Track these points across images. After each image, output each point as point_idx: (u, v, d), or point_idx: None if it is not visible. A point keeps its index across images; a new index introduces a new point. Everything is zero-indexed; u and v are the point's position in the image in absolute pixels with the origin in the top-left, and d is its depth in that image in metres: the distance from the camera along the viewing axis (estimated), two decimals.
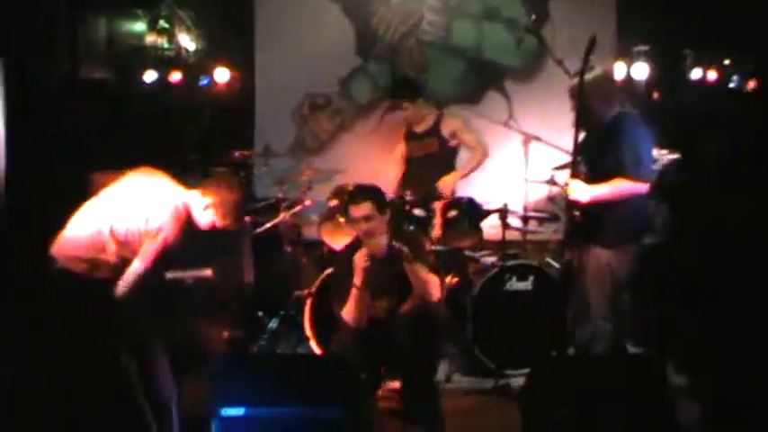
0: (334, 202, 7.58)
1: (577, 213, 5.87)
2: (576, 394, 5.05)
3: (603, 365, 5.51)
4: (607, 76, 6.15)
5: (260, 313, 7.73)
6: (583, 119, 5.88)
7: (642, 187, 5.88)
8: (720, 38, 8.80)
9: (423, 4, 9.21)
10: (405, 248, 5.87)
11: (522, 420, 5.21)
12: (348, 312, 5.96)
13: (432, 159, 7.97)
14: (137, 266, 5.04)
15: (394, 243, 5.91)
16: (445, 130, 7.98)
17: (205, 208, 5.24)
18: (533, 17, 8.72)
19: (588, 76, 5.84)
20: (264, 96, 9.23)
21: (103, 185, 5.43)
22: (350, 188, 7.17)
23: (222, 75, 9.12)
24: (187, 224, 5.22)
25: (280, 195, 8.09)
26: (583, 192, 5.87)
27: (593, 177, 5.94)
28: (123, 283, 5.02)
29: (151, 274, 5.10)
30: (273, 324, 7.60)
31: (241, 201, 5.39)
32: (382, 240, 6.00)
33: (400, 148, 8.25)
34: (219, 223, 5.29)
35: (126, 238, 5.11)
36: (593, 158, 6.03)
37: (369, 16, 9.22)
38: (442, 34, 9.21)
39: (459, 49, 9.22)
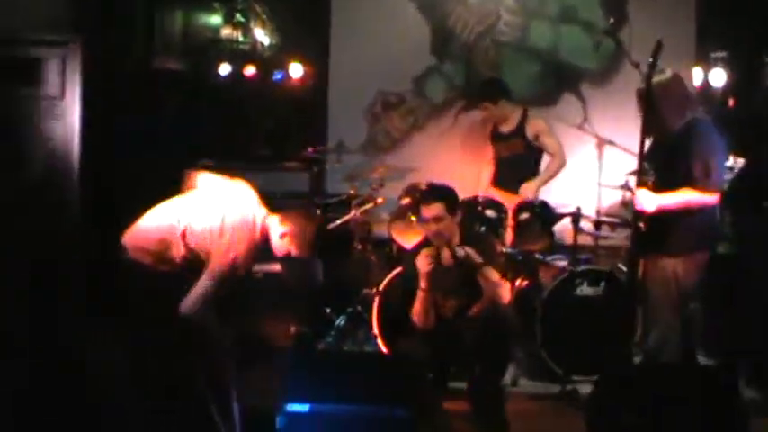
0: (406, 201, 7.57)
1: (642, 224, 5.77)
2: (644, 404, 5.00)
3: (672, 375, 5.44)
4: (676, 81, 5.89)
5: (327, 310, 7.73)
6: (650, 124, 5.73)
7: (712, 198, 5.72)
8: None
9: (500, 5, 9.12)
10: (471, 253, 5.84)
11: (587, 428, 5.17)
12: (415, 313, 5.95)
13: (518, 160, 7.96)
14: (204, 284, 5.04)
15: (458, 250, 5.87)
16: (530, 131, 7.96)
17: (282, 236, 5.23)
18: (611, 20, 8.63)
19: (656, 80, 5.72)
20: (338, 93, 9.20)
21: (184, 180, 5.47)
22: (422, 187, 7.17)
23: (296, 70, 9.18)
24: (262, 246, 5.22)
25: (351, 192, 8.08)
26: (649, 201, 5.72)
27: (661, 186, 5.78)
28: (190, 300, 5.02)
29: (218, 291, 5.10)
30: (341, 321, 7.59)
31: (317, 233, 5.37)
32: (451, 245, 5.94)
33: (489, 150, 8.23)
34: (294, 253, 5.27)
35: (196, 245, 5.12)
36: (662, 166, 5.88)
37: (445, 15, 9.16)
38: (519, 35, 9.12)
39: (536, 51, 9.13)
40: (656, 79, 5.69)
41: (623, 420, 5.01)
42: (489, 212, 7.31)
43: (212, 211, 5.17)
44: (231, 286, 5.17)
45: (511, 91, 8.24)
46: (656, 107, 5.72)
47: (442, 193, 6.06)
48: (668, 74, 5.82)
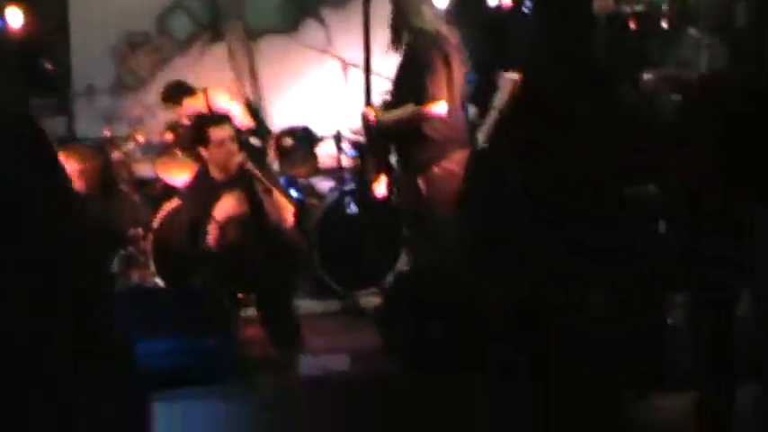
0: (169, 137, 7.50)
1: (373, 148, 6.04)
2: (422, 310, 5.32)
3: (437, 281, 5.77)
4: None
5: None
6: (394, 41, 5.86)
7: (435, 109, 5.68)
8: None
9: None
10: (258, 174, 5.94)
11: (381, 337, 5.45)
12: (202, 243, 5.99)
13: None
14: None
15: (247, 166, 5.96)
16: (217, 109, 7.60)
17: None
18: None
19: None
20: (81, 35, 8.94)
21: None
22: (186, 121, 7.14)
23: (14, 16, 8.74)
24: None
25: (108, 134, 7.91)
26: (374, 119, 5.96)
27: (395, 102, 5.97)
28: None
29: None
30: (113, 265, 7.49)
31: (106, 169, 5.19)
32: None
33: None
34: (84, 191, 5.13)
35: None
36: (395, 82, 6.08)
37: None
38: None
39: None
40: None
41: (411, 326, 5.31)
42: (253, 140, 7.37)
43: None
44: None
45: (192, 88, 7.92)
46: (393, 20, 5.82)
47: (224, 117, 6.12)
48: None
